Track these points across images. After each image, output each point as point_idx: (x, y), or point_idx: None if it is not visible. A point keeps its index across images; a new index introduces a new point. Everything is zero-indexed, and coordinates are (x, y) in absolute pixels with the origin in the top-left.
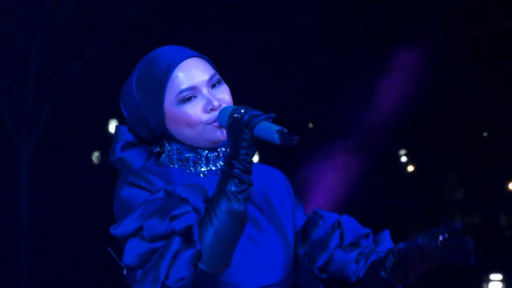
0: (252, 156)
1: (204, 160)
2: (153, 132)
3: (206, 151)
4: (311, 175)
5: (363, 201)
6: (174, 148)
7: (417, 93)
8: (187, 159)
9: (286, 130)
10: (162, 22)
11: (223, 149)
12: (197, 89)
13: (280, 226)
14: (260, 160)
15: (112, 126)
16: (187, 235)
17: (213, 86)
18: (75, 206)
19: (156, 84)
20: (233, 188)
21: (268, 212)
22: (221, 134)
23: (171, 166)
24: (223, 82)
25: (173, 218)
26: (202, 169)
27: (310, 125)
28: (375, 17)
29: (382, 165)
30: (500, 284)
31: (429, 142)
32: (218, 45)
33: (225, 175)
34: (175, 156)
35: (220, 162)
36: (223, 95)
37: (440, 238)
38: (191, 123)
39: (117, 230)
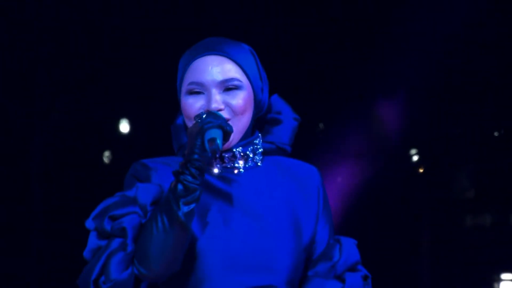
0: (205, 163)
1: (218, 158)
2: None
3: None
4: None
5: (374, 201)
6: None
7: (428, 92)
8: None
9: (219, 141)
10: (171, 20)
11: (239, 149)
12: (205, 87)
13: (294, 229)
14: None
15: (122, 126)
16: (123, 237)
17: (227, 89)
18: (85, 206)
19: (181, 68)
20: (176, 193)
21: (282, 213)
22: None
23: None
24: (244, 89)
25: (113, 218)
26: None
27: (321, 125)
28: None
29: (393, 165)
30: (511, 284)
31: (440, 141)
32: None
33: (175, 179)
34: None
35: (239, 161)
36: (232, 101)
37: None
38: (188, 116)
39: (86, 222)
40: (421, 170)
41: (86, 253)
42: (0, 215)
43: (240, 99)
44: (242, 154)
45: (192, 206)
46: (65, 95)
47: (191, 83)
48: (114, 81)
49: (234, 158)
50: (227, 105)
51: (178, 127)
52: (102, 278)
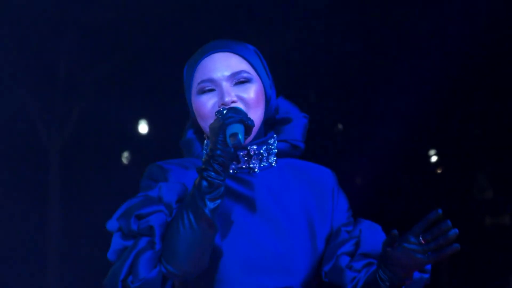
0: (228, 158)
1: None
2: (196, 122)
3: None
4: (340, 175)
5: (392, 202)
6: (207, 142)
7: (446, 93)
8: None
9: (241, 136)
10: (191, 22)
11: (254, 147)
12: (215, 83)
13: (309, 231)
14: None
15: (141, 127)
16: (151, 236)
17: (238, 83)
18: (104, 207)
19: (189, 70)
20: (201, 189)
21: (297, 215)
22: None
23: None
24: (254, 82)
25: (139, 217)
26: (232, 166)
27: (340, 126)
28: (406, 19)
29: (411, 166)
30: None
31: (459, 142)
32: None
33: (199, 176)
34: (205, 151)
35: (254, 162)
36: (244, 94)
37: (421, 239)
38: (203, 115)
39: (108, 224)
40: (439, 171)
41: (110, 254)
42: (19, 214)
43: (252, 91)
44: (256, 153)
45: (218, 202)
46: (84, 97)
47: (201, 82)
48: (133, 83)
49: (249, 157)
50: (240, 98)
51: (188, 141)
52: (130, 278)
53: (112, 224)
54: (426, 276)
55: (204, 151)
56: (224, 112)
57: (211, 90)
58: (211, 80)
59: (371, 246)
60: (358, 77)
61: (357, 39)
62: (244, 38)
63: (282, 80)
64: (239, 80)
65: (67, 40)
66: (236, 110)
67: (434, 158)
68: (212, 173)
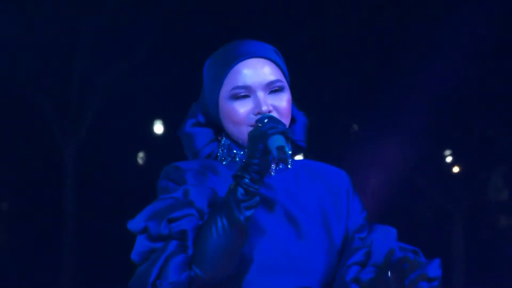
0: (265, 167)
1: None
2: (212, 121)
3: None
4: (355, 176)
5: (408, 202)
6: (226, 143)
7: (462, 93)
8: (235, 156)
9: (288, 149)
10: (206, 23)
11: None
12: (251, 90)
13: (326, 231)
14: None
15: (156, 127)
16: (183, 239)
17: (272, 91)
18: (119, 206)
19: (219, 72)
20: (237, 197)
21: (315, 215)
22: None
23: (221, 162)
24: (286, 91)
25: (171, 221)
26: None
27: (355, 127)
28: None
29: (427, 166)
30: None
31: (474, 142)
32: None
33: (234, 182)
34: (225, 151)
35: (272, 166)
36: (278, 103)
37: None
38: (235, 121)
39: (130, 224)
40: (455, 171)
41: (135, 256)
42: (34, 214)
43: (285, 101)
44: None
45: (253, 211)
46: (99, 98)
47: (236, 88)
48: (148, 83)
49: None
50: (274, 107)
51: (188, 134)
52: (159, 280)
53: (136, 225)
54: (435, 284)
55: (226, 151)
56: (265, 121)
57: (246, 97)
58: (246, 87)
59: (382, 256)
60: (374, 78)
61: (373, 40)
62: (259, 37)
63: (296, 80)
64: (274, 89)
65: (81, 42)
66: (277, 121)
67: (449, 159)
68: (249, 181)
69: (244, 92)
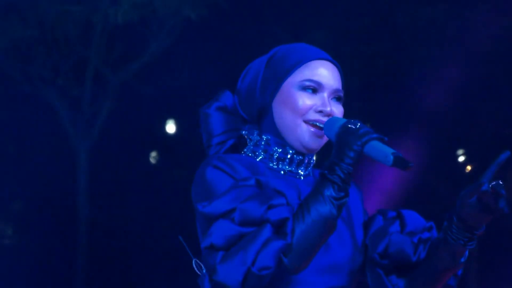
0: (353, 168)
1: (289, 159)
2: (254, 110)
3: (293, 151)
4: (368, 175)
5: (420, 202)
6: (264, 138)
7: (475, 91)
8: (272, 152)
9: (401, 154)
10: (219, 22)
11: (309, 156)
12: (321, 89)
13: (353, 234)
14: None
15: (169, 127)
16: (280, 227)
17: (335, 98)
18: (132, 206)
19: (293, 60)
20: (331, 193)
21: (347, 220)
22: (312, 143)
23: (254, 157)
24: (342, 102)
25: (270, 207)
26: (286, 167)
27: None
28: (435, 19)
29: (439, 165)
30: None
31: (488, 141)
32: (272, 44)
33: (325, 179)
34: (262, 146)
35: (302, 168)
36: (336, 111)
37: (490, 185)
38: (295, 109)
39: (207, 208)
40: (468, 170)
41: (218, 239)
42: (49, 215)
43: (340, 111)
44: (310, 161)
45: (342, 209)
46: (112, 97)
47: (309, 80)
48: (160, 83)
49: (301, 163)
50: (332, 113)
51: (209, 115)
52: (257, 264)
53: (217, 208)
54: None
55: (262, 147)
56: (358, 125)
57: (314, 92)
58: (319, 84)
59: (414, 225)
60: (386, 77)
61: (385, 39)
62: (275, 38)
63: None
64: (337, 97)
65: (95, 40)
66: (362, 123)
67: (462, 158)
68: (340, 179)
69: (315, 87)
